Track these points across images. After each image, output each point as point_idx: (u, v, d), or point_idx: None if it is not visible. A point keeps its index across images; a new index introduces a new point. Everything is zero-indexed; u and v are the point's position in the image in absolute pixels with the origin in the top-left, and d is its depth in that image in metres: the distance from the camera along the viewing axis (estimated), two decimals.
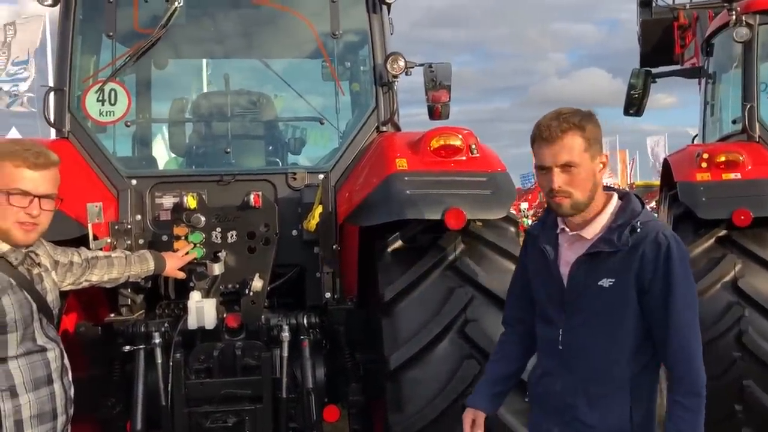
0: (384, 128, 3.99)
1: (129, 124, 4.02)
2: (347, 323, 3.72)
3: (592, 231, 2.21)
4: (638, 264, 2.12)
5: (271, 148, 4.36)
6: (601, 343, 2.20)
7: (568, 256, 2.27)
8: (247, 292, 3.55)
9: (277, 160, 4.35)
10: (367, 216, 3.40)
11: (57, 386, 2.43)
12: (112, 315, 3.71)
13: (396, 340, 3.23)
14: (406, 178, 3.36)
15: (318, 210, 3.49)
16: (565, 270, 2.27)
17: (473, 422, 2.48)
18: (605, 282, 2.16)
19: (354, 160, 3.91)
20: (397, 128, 4.23)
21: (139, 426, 3.33)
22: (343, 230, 3.75)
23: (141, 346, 3.45)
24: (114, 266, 3.04)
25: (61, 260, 2.72)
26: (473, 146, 3.53)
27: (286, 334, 3.45)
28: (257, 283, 3.53)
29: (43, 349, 2.40)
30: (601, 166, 2.20)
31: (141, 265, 3.18)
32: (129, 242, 3.60)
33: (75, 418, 3.72)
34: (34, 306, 2.38)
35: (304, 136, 4.43)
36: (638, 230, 2.13)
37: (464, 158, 3.50)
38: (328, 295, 3.51)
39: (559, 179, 2.14)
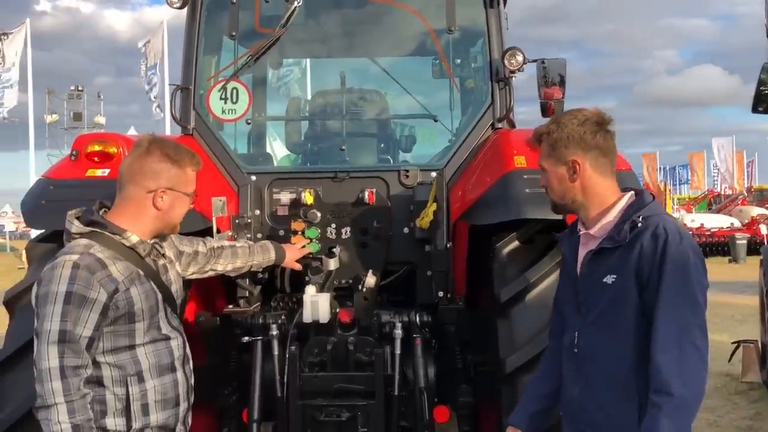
0: (499, 125, 3.91)
1: (249, 122, 4.15)
2: (458, 323, 3.67)
3: (600, 228, 2.20)
4: (637, 259, 2.07)
5: (384, 145, 4.38)
6: (608, 344, 2.15)
7: (581, 256, 2.27)
8: (360, 288, 3.58)
9: (390, 157, 4.36)
10: (482, 215, 3.34)
11: (179, 374, 2.52)
12: (230, 306, 3.82)
13: (512, 342, 3.15)
14: (525, 176, 3.28)
15: (432, 207, 3.46)
16: (579, 271, 2.28)
17: None
18: (609, 279, 2.12)
19: (468, 158, 3.85)
20: (512, 125, 4.13)
21: (255, 416, 3.42)
22: (454, 228, 3.70)
23: (259, 338, 3.55)
24: (238, 256, 3.13)
25: (186, 250, 2.84)
26: None
27: (398, 332, 3.44)
28: (370, 280, 3.55)
29: (167, 338, 2.50)
30: (573, 170, 2.19)
31: (263, 255, 3.25)
32: (249, 236, 3.70)
33: (193, 404, 3.92)
34: (160, 296, 2.46)
35: (416, 134, 4.43)
36: (639, 224, 2.09)
37: None
38: (440, 294, 3.47)
39: (541, 179, 2.32)
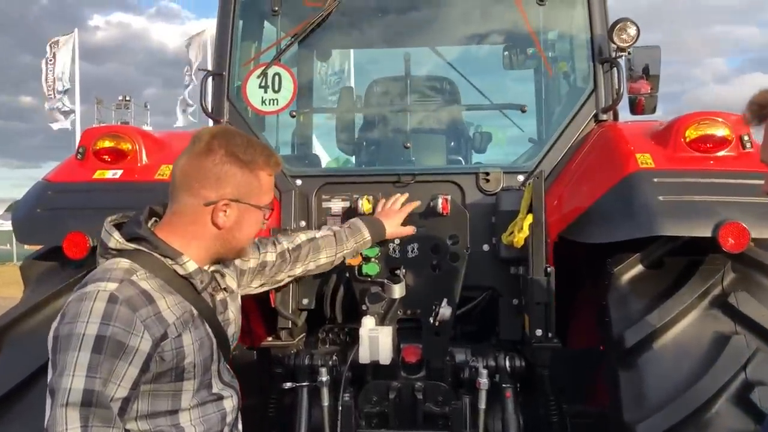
0: (604, 117, 3.14)
1: (294, 114, 3.46)
2: (554, 365, 2.91)
3: None
4: None
5: (456, 143, 3.65)
6: None
7: None
8: (431, 320, 2.84)
9: (464, 157, 3.63)
10: (597, 230, 2.58)
11: None
12: (270, 339, 3.16)
13: (642, 402, 2.37)
14: (654, 180, 2.52)
15: (527, 220, 2.70)
16: None
17: None
18: None
19: (565, 158, 3.09)
20: (617, 118, 3.35)
21: None
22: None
23: (305, 384, 2.85)
24: (321, 250, 2.56)
25: (249, 266, 2.28)
26: (745, 138, 2.60)
27: (484, 380, 2.70)
28: (445, 310, 2.82)
29: (220, 398, 1.89)
30: None
31: (354, 238, 2.66)
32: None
33: None
34: (215, 342, 1.87)
35: (496, 129, 3.67)
36: None
37: (734, 154, 2.61)
38: (539, 332, 2.70)
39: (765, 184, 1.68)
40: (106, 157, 2.86)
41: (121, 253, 1.76)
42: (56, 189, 2.79)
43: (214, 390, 1.86)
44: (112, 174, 2.80)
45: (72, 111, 24.17)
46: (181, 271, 1.78)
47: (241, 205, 1.84)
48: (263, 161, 1.86)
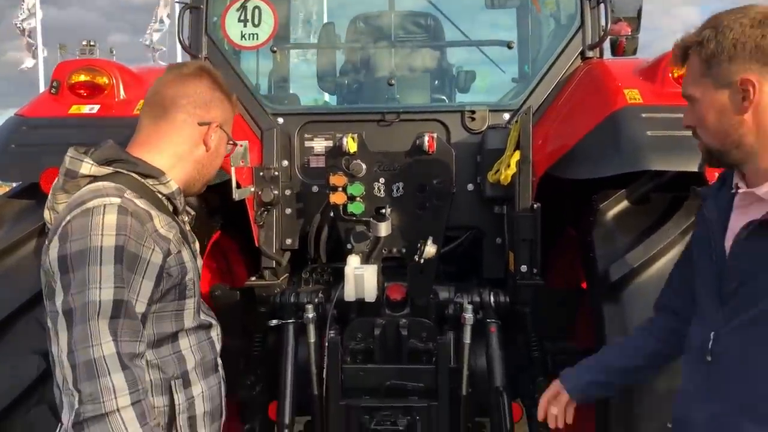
0: (590, 54, 3.10)
1: (275, 50, 3.36)
2: (535, 303, 2.95)
3: None
4: None
5: (442, 80, 3.58)
6: (764, 360, 1.50)
7: (737, 224, 1.59)
8: (416, 258, 2.84)
9: (450, 95, 3.57)
10: (584, 166, 2.58)
11: (221, 374, 1.91)
12: (253, 278, 3.13)
13: (625, 333, 2.40)
14: (643, 115, 2.51)
15: (515, 157, 2.68)
16: (729, 245, 1.60)
17: (554, 397, 2.07)
18: None
19: (551, 95, 3.06)
20: (602, 56, 3.32)
21: (287, 419, 2.74)
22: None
23: (290, 321, 2.84)
24: None
25: None
26: None
27: (469, 316, 2.72)
28: (430, 249, 2.81)
29: (209, 325, 1.88)
30: (743, 95, 1.49)
31: None
32: (275, 192, 2.97)
33: None
34: (197, 268, 1.84)
35: (482, 67, 3.61)
36: None
37: None
38: (524, 268, 2.72)
39: (685, 117, 1.66)
40: (81, 91, 2.76)
41: (95, 179, 1.67)
42: (30, 124, 2.69)
43: (202, 317, 1.85)
44: (89, 109, 2.70)
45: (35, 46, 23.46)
46: (164, 191, 1.74)
47: (223, 133, 1.86)
48: (234, 99, 1.92)
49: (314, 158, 3.13)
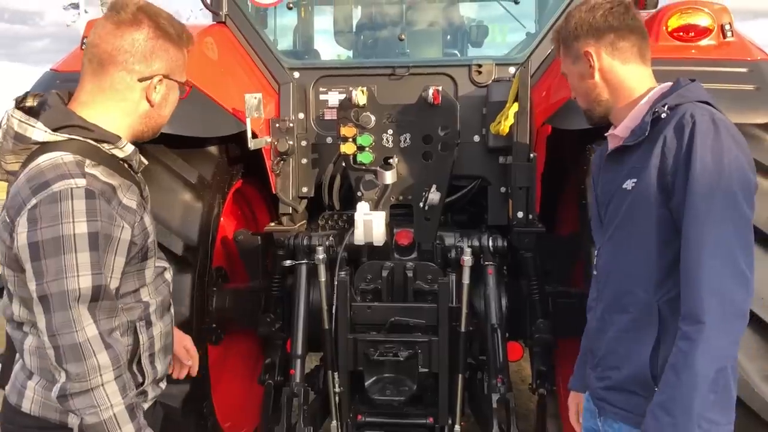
0: None
1: (291, 6, 3.50)
2: (536, 249, 3.11)
3: (624, 126, 1.84)
4: (659, 157, 1.68)
5: (450, 35, 3.68)
6: (624, 263, 1.80)
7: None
8: (421, 205, 3.02)
9: (458, 50, 3.68)
10: (580, 117, 2.67)
11: (172, 312, 1.98)
12: (272, 224, 3.36)
13: None
14: None
15: (513, 109, 2.81)
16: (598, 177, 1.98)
17: (575, 407, 2.20)
18: (628, 184, 1.77)
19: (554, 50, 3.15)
20: None
21: (299, 350, 2.98)
22: (536, 136, 3.07)
23: (303, 261, 3.06)
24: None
25: None
26: (727, 26, 2.66)
27: (467, 258, 2.89)
28: (434, 196, 2.98)
29: (164, 269, 1.93)
30: (589, 63, 1.85)
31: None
32: (291, 143, 3.16)
33: (235, 331, 3.53)
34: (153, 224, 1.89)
35: (489, 22, 3.70)
36: (663, 115, 1.70)
37: (714, 42, 2.67)
38: (520, 214, 2.87)
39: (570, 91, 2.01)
40: None
41: (46, 146, 1.62)
42: (64, 78, 2.89)
43: (157, 264, 1.89)
44: None
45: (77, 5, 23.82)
46: (120, 155, 1.71)
47: (170, 82, 1.77)
48: (186, 36, 1.80)
49: (328, 111, 3.30)
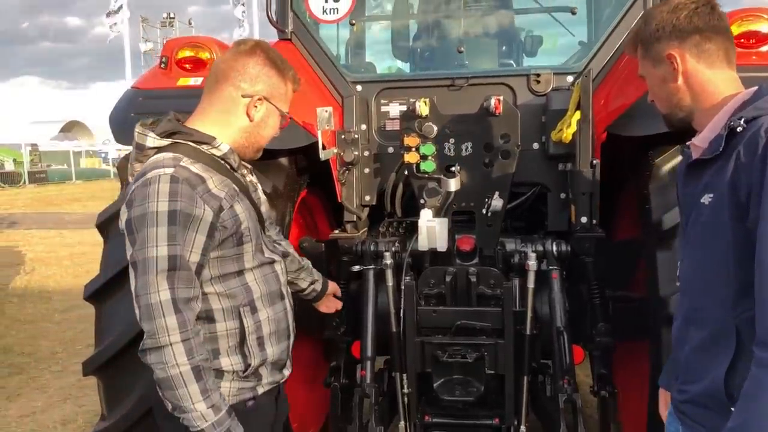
0: None
1: (354, 22, 3.64)
2: (595, 254, 3.17)
3: (703, 137, 1.78)
4: (732, 173, 1.61)
5: (507, 46, 3.78)
6: (701, 278, 1.75)
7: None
8: (484, 212, 3.10)
9: (515, 60, 3.77)
10: (642, 124, 2.75)
11: (287, 302, 2.22)
12: (336, 231, 3.48)
13: (676, 279, 2.60)
14: None
15: (575, 117, 2.89)
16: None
17: (665, 403, 2.14)
18: (705, 198, 1.71)
19: (613, 59, 3.22)
20: None
21: (369, 353, 3.08)
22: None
23: (371, 267, 3.17)
24: (298, 266, 2.67)
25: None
26: None
27: (533, 263, 2.97)
28: (497, 203, 3.06)
29: (272, 261, 2.18)
30: (672, 66, 1.79)
31: (312, 278, 2.78)
32: (356, 153, 3.28)
33: (299, 336, 3.65)
34: (256, 215, 2.13)
35: (545, 32, 3.78)
36: (739, 128, 1.62)
37: None
38: (584, 219, 2.94)
39: (648, 95, 1.97)
40: (187, 65, 3.13)
41: (159, 150, 1.96)
42: (146, 95, 3.08)
43: (266, 255, 2.13)
44: (194, 81, 3.07)
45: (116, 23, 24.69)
46: (217, 153, 2.00)
47: (269, 105, 2.07)
48: (292, 75, 2.12)
49: (389, 122, 3.41)
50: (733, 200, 1.62)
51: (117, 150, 62.34)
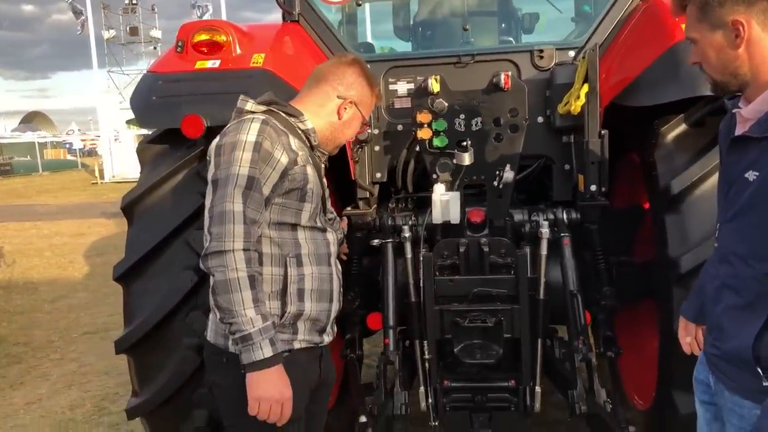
0: None
1: (360, 3, 3.72)
2: (601, 221, 3.32)
3: (753, 109, 1.76)
4: None
5: (510, 23, 3.89)
6: (742, 246, 1.79)
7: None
8: (495, 184, 3.22)
9: (518, 37, 3.88)
10: (647, 94, 2.89)
11: (334, 270, 2.37)
12: (349, 208, 3.57)
13: (685, 240, 2.77)
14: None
15: (584, 89, 3.02)
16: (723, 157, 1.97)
17: (684, 329, 2.29)
18: (750, 175, 1.73)
19: (612, 33, 3.36)
20: None
21: (391, 322, 3.20)
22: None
23: (389, 240, 3.28)
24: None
25: None
26: None
27: (545, 231, 3.10)
28: (508, 175, 3.16)
29: (324, 230, 2.36)
30: (735, 33, 1.71)
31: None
32: (369, 131, 3.37)
33: None
34: (321, 190, 2.33)
35: (547, 9, 3.90)
36: None
37: None
38: (593, 188, 3.08)
39: (691, 56, 1.88)
40: (204, 49, 3.17)
41: (254, 114, 2.22)
42: (165, 79, 3.12)
43: (319, 223, 2.32)
44: (212, 64, 3.12)
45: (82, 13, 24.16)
46: (302, 127, 2.28)
47: (356, 110, 2.40)
48: (378, 90, 2.50)
49: (398, 100, 3.50)
50: None
51: (82, 140, 61.21)
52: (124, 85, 34.44)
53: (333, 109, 2.36)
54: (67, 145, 57.05)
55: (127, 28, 41.37)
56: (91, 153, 55.95)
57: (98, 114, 31.72)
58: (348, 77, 2.38)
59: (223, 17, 25.72)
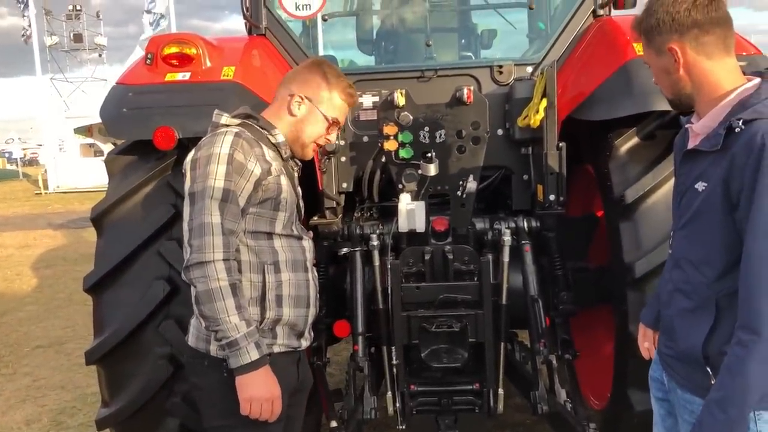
0: (601, 12, 3.57)
1: (326, 18, 3.80)
2: (557, 229, 3.48)
3: (702, 125, 1.89)
4: (727, 170, 1.76)
5: (470, 40, 4.04)
6: (692, 252, 1.93)
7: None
8: (459, 194, 3.35)
9: (477, 52, 4.03)
10: (602, 109, 3.06)
11: (310, 276, 2.43)
12: (315, 218, 3.64)
13: (639, 246, 2.95)
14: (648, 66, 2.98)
15: (543, 104, 3.17)
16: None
17: (644, 335, 2.37)
18: (699, 186, 1.87)
19: (567, 50, 3.53)
20: (610, 13, 3.78)
21: (360, 328, 3.28)
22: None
23: (358, 249, 3.36)
24: None
25: None
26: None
27: (508, 238, 3.24)
28: (471, 185, 3.31)
29: (300, 237, 2.43)
30: (673, 59, 1.87)
31: None
32: (336, 143, 3.45)
33: None
34: (295, 199, 2.41)
35: (505, 26, 4.06)
36: (737, 129, 1.74)
37: None
38: (552, 197, 3.23)
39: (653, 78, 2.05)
40: (174, 61, 3.21)
41: (228, 127, 2.29)
42: (136, 91, 3.14)
43: (295, 231, 2.39)
44: (182, 76, 3.15)
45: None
46: (273, 140, 2.35)
47: (311, 105, 2.39)
48: (342, 87, 2.44)
49: (363, 112, 3.59)
50: (724, 194, 1.77)
51: (22, 149, 59.28)
52: (67, 93, 33.56)
53: (286, 107, 2.41)
54: (7, 155, 55.17)
55: (71, 35, 40.39)
56: (32, 162, 54.33)
57: (40, 122, 30.82)
58: (303, 75, 2.43)
59: (173, 25, 25.41)
